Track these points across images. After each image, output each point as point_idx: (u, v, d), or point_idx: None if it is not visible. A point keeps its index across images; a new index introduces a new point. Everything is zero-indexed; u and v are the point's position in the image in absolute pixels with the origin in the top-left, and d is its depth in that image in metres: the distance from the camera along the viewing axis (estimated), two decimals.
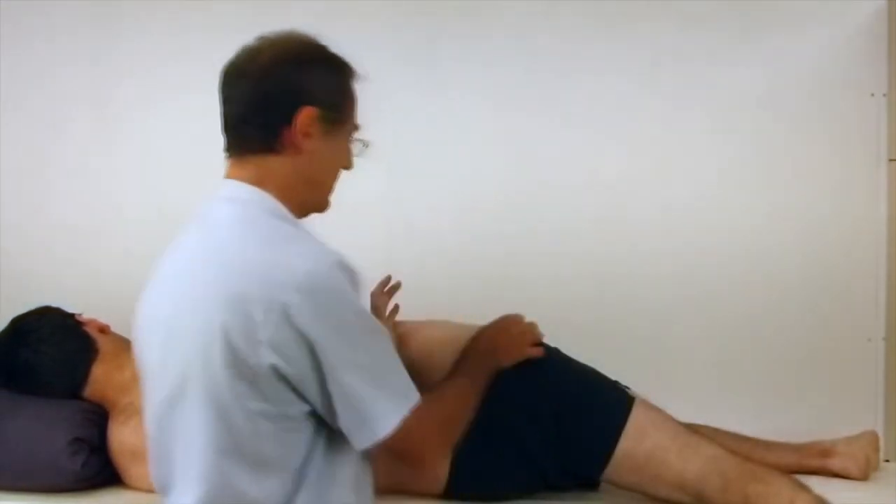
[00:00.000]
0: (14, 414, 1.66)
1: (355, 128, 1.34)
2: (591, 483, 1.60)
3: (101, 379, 1.72)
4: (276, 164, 1.25)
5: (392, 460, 1.62)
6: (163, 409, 1.24)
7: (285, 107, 1.24)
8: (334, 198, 1.34)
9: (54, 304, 1.78)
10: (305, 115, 1.24)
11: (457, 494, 1.57)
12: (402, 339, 1.66)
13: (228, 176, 1.27)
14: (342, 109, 1.30)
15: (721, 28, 2.10)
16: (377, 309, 1.68)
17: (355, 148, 1.35)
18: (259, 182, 1.25)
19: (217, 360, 1.15)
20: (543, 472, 1.56)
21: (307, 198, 1.29)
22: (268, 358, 1.13)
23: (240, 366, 1.14)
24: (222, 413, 1.17)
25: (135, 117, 2.11)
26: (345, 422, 1.18)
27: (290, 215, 1.26)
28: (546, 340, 1.67)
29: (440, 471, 1.56)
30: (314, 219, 1.31)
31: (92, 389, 1.71)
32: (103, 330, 1.76)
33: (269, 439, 1.18)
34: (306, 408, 1.19)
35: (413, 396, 1.22)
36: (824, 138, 2.08)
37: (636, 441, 1.50)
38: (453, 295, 1.98)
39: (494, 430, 1.54)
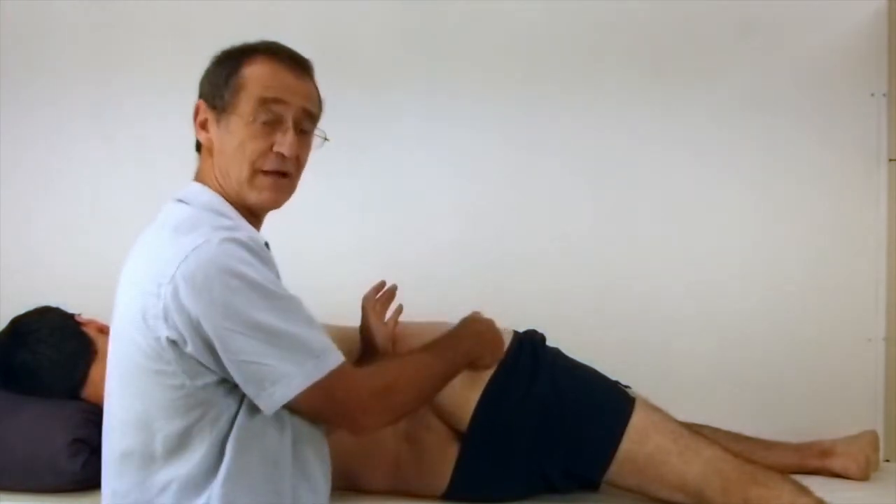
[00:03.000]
0: (14, 414, 1.65)
1: (262, 103, 1.28)
2: (591, 485, 1.59)
3: (99, 380, 1.70)
4: (203, 161, 1.35)
5: (396, 461, 1.62)
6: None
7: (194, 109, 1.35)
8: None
9: (54, 304, 1.78)
10: (196, 109, 1.34)
11: (458, 496, 1.57)
12: (398, 339, 1.64)
13: None
14: (227, 93, 1.30)
15: (721, 28, 2.11)
16: (370, 312, 1.61)
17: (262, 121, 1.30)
18: (200, 179, 1.35)
19: (134, 343, 1.20)
20: (545, 473, 1.56)
21: (230, 190, 1.32)
22: (163, 331, 1.17)
23: (147, 345, 1.18)
24: (141, 394, 1.21)
25: (135, 122, 2.12)
26: (247, 388, 1.19)
27: (222, 205, 1.29)
28: (547, 341, 1.68)
29: (443, 471, 1.57)
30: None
31: (91, 390, 1.69)
32: (102, 330, 1.75)
33: (186, 415, 1.20)
34: (219, 378, 1.20)
35: (330, 359, 1.20)
36: (824, 138, 2.09)
37: (637, 443, 1.50)
38: (454, 299, 1.97)
39: (496, 432, 1.54)
